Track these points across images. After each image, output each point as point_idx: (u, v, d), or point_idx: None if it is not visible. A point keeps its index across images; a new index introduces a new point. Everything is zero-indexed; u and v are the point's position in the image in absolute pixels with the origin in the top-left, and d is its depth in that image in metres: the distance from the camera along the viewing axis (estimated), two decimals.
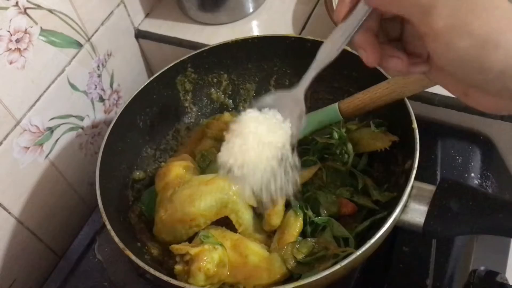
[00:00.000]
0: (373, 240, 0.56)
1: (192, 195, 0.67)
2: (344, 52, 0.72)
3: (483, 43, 0.37)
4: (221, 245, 0.65)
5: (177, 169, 0.72)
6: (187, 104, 0.84)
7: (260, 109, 0.56)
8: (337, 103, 0.71)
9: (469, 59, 0.38)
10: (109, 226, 0.62)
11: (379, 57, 0.45)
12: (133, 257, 0.60)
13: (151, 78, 0.78)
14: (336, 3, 0.87)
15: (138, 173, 0.78)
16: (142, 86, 0.77)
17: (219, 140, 0.79)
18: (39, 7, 0.72)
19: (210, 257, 0.62)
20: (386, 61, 0.45)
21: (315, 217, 0.68)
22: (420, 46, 0.45)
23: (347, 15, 0.45)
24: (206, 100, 0.85)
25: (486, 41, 0.37)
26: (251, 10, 0.95)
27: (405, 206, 0.60)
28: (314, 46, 0.75)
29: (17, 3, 0.68)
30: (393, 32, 0.47)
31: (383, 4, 0.42)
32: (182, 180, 0.70)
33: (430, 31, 0.39)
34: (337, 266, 0.55)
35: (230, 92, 0.85)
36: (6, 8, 0.67)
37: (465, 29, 0.38)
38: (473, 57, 0.38)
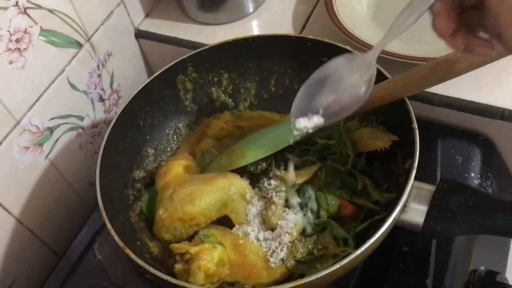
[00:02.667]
0: (372, 240, 0.56)
1: (192, 194, 0.67)
2: (345, 52, 0.73)
3: None
4: (221, 244, 0.65)
5: (177, 168, 0.72)
6: (187, 103, 0.84)
7: (329, 74, 0.58)
8: None
9: None
10: (109, 225, 0.62)
11: (453, 28, 0.44)
12: (133, 256, 0.60)
13: (152, 77, 0.78)
14: (336, 4, 0.87)
15: (138, 172, 0.78)
16: (143, 85, 0.77)
17: (219, 139, 0.79)
18: (39, 7, 0.72)
19: (210, 256, 0.62)
20: (453, 42, 0.45)
21: (315, 218, 0.68)
22: (491, 28, 0.44)
23: None
24: (206, 99, 0.85)
25: None
26: (251, 10, 0.95)
27: (404, 206, 0.60)
28: (314, 46, 0.76)
29: (17, 3, 0.68)
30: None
31: None
32: (182, 179, 0.71)
33: (504, 14, 0.40)
34: (337, 266, 0.55)
35: (230, 91, 0.85)
36: (6, 8, 0.67)
37: None
38: None
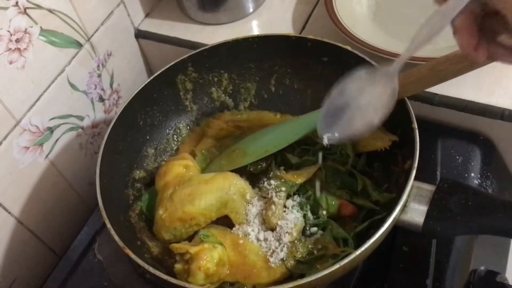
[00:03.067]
0: (372, 240, 0.56)
1: (192, 194, 0.67)
2: (345, 52, 0.73)
3: None
4: (221, 244, 0.65)
5: (177, 168, 0.72)
6: (187, 103, 0.84)
7: (351, 87, 0.57)
8: None
9: None
10: (109, 225, 0.62)
11: (475, 43, 0.44)
12: (133, 256, 0.60)
13: (152, 77, 0.78)
14: (336, 4, 0.87)
15: (138, 172, 0.78)
16: (143, 85, 0.77)
17: (219, 139, 0.79)
18: (39, 7, 0.72)
19: (210, 256, 0.62)
20: (475, 54, 0.44)
21: (315, 218, 0.68)
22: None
23: None
24: (206, 99, 0.85)
25: None
26: (251, 10, 0.95)
27: (404, 206, 0.60)
28: (315, 46, 0.76)
29: (17, 3, 0.68)
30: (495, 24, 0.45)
31: None
32: (182, 179, 0.71)
33: None
34: (336, 266, 0.55)
35: (230, 91, 0.85)
36: (6, 8, 0.67)
37: None
38: None
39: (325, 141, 0.61)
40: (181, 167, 0.73)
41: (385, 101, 0.56)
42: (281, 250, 0.65)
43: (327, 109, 0.61)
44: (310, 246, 0.65)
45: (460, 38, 0.44)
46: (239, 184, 0.69)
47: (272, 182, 0.71)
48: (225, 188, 0.68)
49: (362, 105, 0.58)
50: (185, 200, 0.67)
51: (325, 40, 0.75)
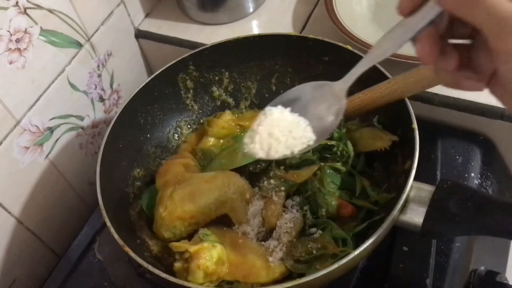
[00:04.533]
0: (371, 240, 0.56)
1: (192, 192, 0.67)
2: (346, 52, 0.73)
3: None
4: (220, 243, 0.65)
5: (178, 167, 0.72)
6: (188, 102, 0.84)
7: (293, 101, 0.54)
8: None
9: None
10: (109, 223, 0.62)
11: (435, 57, 0.40)
12: (132, 254, 0.60)
13: (153, 76, 0.78)
14: (336, 4, 0.87)
15: (138, 171, 0.78)
16: (144, 84, 0.77)
17: (220, 138, 0.79)
18: (39, 7, 0.72)
19: (209, 255, 0.62)
20: (441, 63, 0.41)
21: (314, 218, 0.68)
22: (485, 61, 0.40)
23: (413, 11, 0.40)
24: (207, 98, 0.85)
25: None
26: (251, 10, 0.95)
27: (404, 206, 0.60)
28: (315, 45, 0.76)
29: (17, 3, 0.68)
30: (460, 35, 0.42)
31: (456, 8, 0.37)
32: (182, 178, 0.71)
33: (503, 49, 0.36)
34: (335, 266, 0.55)
35: (231, 90, 0.85)
36: (6, 8, 0.67)
37: None
38: None
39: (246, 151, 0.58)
40: (182, 165, 0.73)
41: (330, 118, 0.53)
42: (280, 250, 0.65)
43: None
44: (309, 246, 0.65)
45: (420, 49, 0.40)
46: (239, 183, 0.69)
47: (272, 181, 0.71)
48: (225, 187, 0.68)
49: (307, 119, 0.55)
50: (185, 199, 0.67)
51: (326, 39, 0.76)
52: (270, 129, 0.55)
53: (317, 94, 0.53)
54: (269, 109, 0.56)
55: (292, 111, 0.55)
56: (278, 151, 0.55)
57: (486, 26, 0.36)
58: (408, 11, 0.41)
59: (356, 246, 0.57)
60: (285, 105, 0.56)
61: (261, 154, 0.56)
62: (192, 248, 0.62)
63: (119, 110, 0.74)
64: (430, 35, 0.40)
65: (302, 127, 0.55)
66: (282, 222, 0.67)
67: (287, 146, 0.55)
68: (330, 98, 0.52)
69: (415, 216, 0.60)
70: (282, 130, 0.54)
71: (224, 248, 0.65)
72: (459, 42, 0.42)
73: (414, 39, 0.41)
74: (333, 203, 0.68)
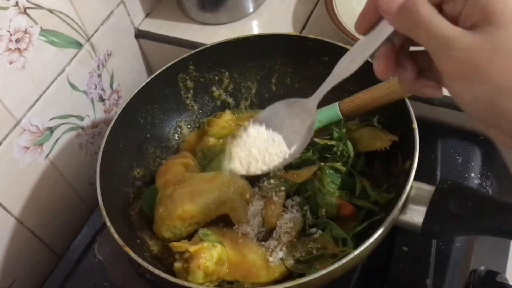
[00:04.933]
0: (371, 240, 0.56)
1: (192, 192, 0.67)
2: (345, 51, 0.73)
3: (497, 90, 0.36)
4: (220, 243, 0.65)
5: (178, 166, 0.72)
6: (188, 102, 0.84)
7: (269, 119, 0.57)
8: (337, 102, 0.71)
9: (482, 105, 0.38)
10: (108, 223, 0.62)
11: (390, 72, 0.44)
12: (132, 254, 0.60)
13: (153, 76, 0.78)
14: (336, 4, 0.87)
15: (138, 170, 0.78)
16: (144, 83, 0.77)
17: (220, 138, 0.80)
18: (39, 7, 0.72)
19: (209, 255, 0.62)
20: (400, 74, 0.44)
21: (314, 218, 0.68)
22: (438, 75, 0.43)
23: (369, 30, 0.44)
24: (207, 98, 0.85)
25: (500, 90, 0.36)
26: (251, 10, 0.95)
27: (404, 206, 0.60)
28: (316, 45, 0.76)
29: (17, 3, 0.68)
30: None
31: (403, 28, 0.40)
32: (182, 177, 0.71)
33: (446, 71, 0.38)
34: (335, 266, 0.55)
35: (231, 90, 0.85)
36: (6, 8, 0.67)
37: (481, 76, 0.36)
38: (486, 103, 0.37)
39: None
40: (182, 165, 0.73)
41: (304, 133, 0.56)
42: (280, 250, 0.65)
43: None
44: (309, 246, 0.65)
45: (377, 65, 0.44)
46: (239, 183, 0.69)
47: (272, 181, 0.71)
48: (225, 187, 0.68)
49: (283, 136, 0.58)
50: (185, 199, 0.67)
51: (326, 39, 0.76)
52: (248, 148, 0.58)
53: (291, 110, 0.57)
54: (246, 128, 0.59)
55: (268, 127, 0.58)
56: (257, 168, 0.58)
57: (429, 47, 0.39)
58: (364, 30, 0.44)
59: (356, 246, 0.57)
60: (264, 122, 0.58)
61: (242, 171, 0.59)
62: (192, 248, 0.62)
63: (119, 110, 0.74)
64: (385, 51, 0.43)
65: (277, 143, 0.58)
66: (282, 222, 0.67)
67: (264, 162, 0.58)
68: (303, 114, 0.55)
69: (415, 216, 0.60)
70: (259, 149, 0.58)
71: (224, 248, 0.65)
72: (418, 49, 0.44)
73: (373, 56, 0.44)
74: (333, 203, 0.68)
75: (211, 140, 0.81)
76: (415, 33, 0.39)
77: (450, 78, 0.39)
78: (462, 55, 0.37)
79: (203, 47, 0.80)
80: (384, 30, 0.43)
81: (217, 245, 0.64)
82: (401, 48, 0.44)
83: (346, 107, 0.70)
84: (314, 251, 0.64)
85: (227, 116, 0.83)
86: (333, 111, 0.71)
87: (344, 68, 0.48)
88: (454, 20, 0.39)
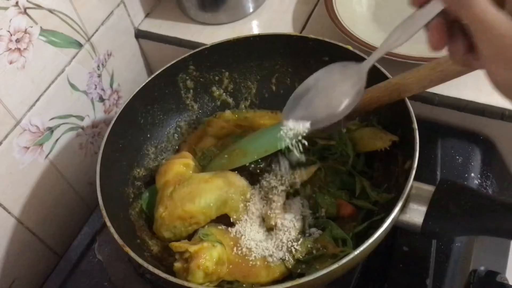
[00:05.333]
0: (371, 240, 0.55)
1: (192, 192, 0.67)
2: (346, 52, 0.73)
3: None
4: (220, 243, 0.65)
5: (178, 166, 0.72)
6: (188, 102, 0.84)
7: (322, 77, 0.60)
8: None
9: None
10: (109, 223, 0.62)
11: (444, 44, 0.46)
12: (132, 254, 0.60)
13: (153, 76, 0.78)
14: (336, 4, 0.87)
15: (138, 170, 0.78)
16: (144, 84, 0.77)
17: (220, 138, 0.80)
18: (39, 7, 0.72)
19: (209, 255, 0.62)
20: (452, 47, 0.46)
21: (314, 219, 0.68)
22: None
23: (423, 3, 0.46)
24: (207, 98, 0.85)
25: None
26: (251, 10, 0.95)
27: (404, 206, 0.60)
28: (316, 45, 0.76)
29: (17, 3, 0.68)
30: None
31: (452, 8, 0.42)
32: (182, 177, 0.71)
33: (485, 52, 0.41)
34: (335, 265, 0.55)
35: (231, 90, 0.85)
36: (6, 8, 0.67)
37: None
38: None
39: (285, 127, 0.62)
40: (182, 165, 0.73)
41: (351, 96, 0.58)
42: (280, 249, 0.65)
43: (295, 96, 0.62)
44: (309, 246, 0.65)
45: (430, 35, 0.46)
46: (239, 183, 0.69)
47: (272, 181, 0.71)
48: (225, 187, 0.68)
49: (329, 96, 0.60)
50: (185, 199, 0.67)
51: (326, 39, 0.76)
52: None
53: (344, 72, 0.59)
54: None
55: (319, 87, 0.61)
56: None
57: (472, 28, 0.41)
58: (419, 4, 0.46)
59: (356, 246, 0.57)
60: (313, 83, 0.61)
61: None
62: (192, 248, 0.62)
63: (119, 110, 0.74)
64: (439, 24, 0.45)
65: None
66: (282, 222, 0.67)
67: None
68: (354, 77, 0.58)
69: (415, 216, 0.60)
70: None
71: (224, 248, 0.65)
72: None
73: (425, 28, 0.46)
74: (333, 203, 0.68)
75: (211, 140, 0.81)
76: (461, 13, 0.41)
77: (487, 59, 0.42)
78: (499, 40, 0.39)
79: (203, 47, 0.80)
80: (437, 5, 0.45)
81: (217, 245, 0.64)
82: (454, 22, 0.46)
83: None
84: (314, 251, 0.64)
85: (227, 116, 0.83)
86: None
87: (397, 37, 0.49)
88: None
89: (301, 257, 0.64)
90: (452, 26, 0.46)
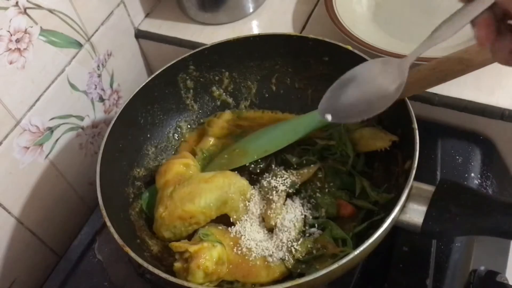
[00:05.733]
0: (371, 240, 0.55)
1: (192, 192, 0.67)
2: (346, 52, 0.73)
3: None
4: (220, 243, 0.65)
5: (178, 166, 0.72)
6: (188, 102, 0.84)
7: (362, 72, 0.59)
8: None
9: None
10: (108, 223, 0.62)
11: (492, 39, 0.45)
12: (132, 254, 0.59)
13: (153, 76, 0.78)
14: (336, 4, 0.87)
15: (138, 170, 0.78)
16: (144, 84, 0.77)
17: (220, 138, 0.80)
18: (39, 7, 0.72)
19: (209, 254, 0.62)
20: (498, 44, 0.46)
21: (314, 219, 0.68)
22: None
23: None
24: (207, 98, 0.85)
25: None
26: (251, 10, 0.95)
27: (404, 206, 0.60)
28: (316, 45, 0.76)
29: (17, 3, 0.68)
30: None
31: (505, 3, 0.42)
32: (182, 177, 0.71)
33: None
34: (335, 265, 0.54)
35: (231, 90, 0.85)
36: (6, 8, 0.67)
37: None
38: None
39: (329, 119, 0.61)
40: (182, 165, 0.73)
41: (391, 92, 0.57)
42: (280, 249, 0.65)
43: (333, 89, 0.61)
44: (309, 246, 0.65)
45: (478, 30, 0.45)
46: (239, 183, 0.69)
47: (272, 181, 0.71)
48: (225, 187, 0.68)
49: (368, 91, 0.59)
50: (185, 199, 0.67)
51: (326, 39, 0.75)
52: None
53: (384, 67, 0.58)
54: None
55: (359, 82, 0.59)
56: None
57: None
58: None
59: (356, 246, 0.57)
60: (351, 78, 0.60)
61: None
62: (192, 248, 0.62)
63: (119, 110, 0.74)
64: (486, 19, 0.45)
65: None
66: (282, 221, 0.67)
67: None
68: (394, 73, 0.56)
69: (415, 216, 0.60)
70: None
71: (224, 248, 0.65)
72: None
73: (472, 24, 0.45)
74: (333, 203, 0.68)
75: (211, 140, 0.81)
76: None
77: None
78: None
79: (203, 47, 0.80)
80: (486, 1, 0.44)
81: (217, 245, 0.64)
82: (503, 18, 0.45)
83: None
84: (314, 251, 0.64)
85: (228, 116, 0.83)
86: None
87: (443, 32, 0.48)
88: None
89: (301, 257, 0.64)
90: (500, 23, 0.45)
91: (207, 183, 0.68)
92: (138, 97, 0.76)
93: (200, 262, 0.61)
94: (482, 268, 0.70)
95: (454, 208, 0.58)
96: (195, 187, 0.68)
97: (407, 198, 0.59)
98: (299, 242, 0.66)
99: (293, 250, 0.65)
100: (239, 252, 0.66)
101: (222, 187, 0.68)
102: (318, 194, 0.70)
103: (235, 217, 0.69)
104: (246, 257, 0.65)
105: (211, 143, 0.81)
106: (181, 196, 0.68)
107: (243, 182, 0.70)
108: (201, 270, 0.61)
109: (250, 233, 0.67)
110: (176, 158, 0.75)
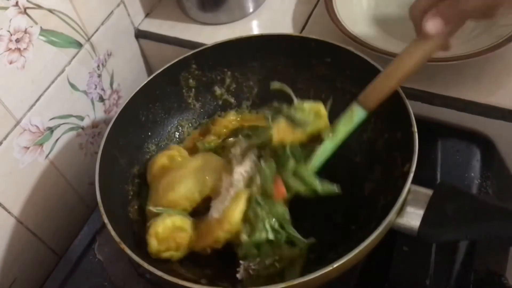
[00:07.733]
0: (366, 243, 0.55)
1: (171, 181, 0.68)
2: (348, 53, 0.73)
3: None
4: (183, 215, 0.66)
5: (161, 159, 0.73)
6: (190, 101, 0.84)
7: None
8: (354, 102, 0.65)
9: None
10: (106, 220, 0.62)
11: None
12: (129, 251, 0.59)
13: (155, 74, 0.78)
14: (336, 4, 0.87)
15: (138, 168, 0.78)
16: (146, 82, 0.77)
17: (220, 137, 0.80)
18: (39, 7, 0.72)
19: (161, 222, 0.64)
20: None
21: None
22: None
23: None
24: (209, 97, 0.85)
25: None
26: (251, 10, 0.95)
27: (401, 209, 0.60)
28: (318, 46, 0.76)
29: (17, 3, 0.68)
30: None
31: None
32: (166, 170, 0.71)
33: None
34: (329, 268, 0.53)
35: (233, 90, 0.85)
36: (6, 8, 0.67)
37: None
38: None
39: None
40: (165, 158, 0.73)
41: None
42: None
43: None
44: (266, 262, 0.62)
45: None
46: (213, 163, 0.69)
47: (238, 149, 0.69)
48: (200, 169, 0.68)
49: None
50: (166, 189, 0.68)
51: (329, 41, 0.75)
52: None
53: None
54: None
55: None
56: None
57: None
58: None
59: (352, 249, 0.55)
60: None
61: None
62: (149, 222, 0.65)
63: (120, 108, 0.74)
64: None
65: None
66: (238, 170, 0.65)
67: None
68: None
69: (412, 219, 0.59)
70: None
71: (188, 219, 0.65)
72: None
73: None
74: (271, 174, 0.63)
75: (213, 139, 0.81)
76: None
77: None
78: None
79: (205, 47, 0.80)
80: None
81: (175, 215, 0.65)
82: None
83: (369, 101, 0.64)
84: (277, 264, 0.61)
85: (231, 116, 0.83)
86: (359, 112, 0.65)
87: None
88: None
89: (259, 274, 0.61)
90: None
91: (182, 168, 0.69)
92: (140, 95, 0.76)
93: (151, 231, 0.63)
94: (482, 268, 0.70)
95: (451, 212, 0.57)
96: (173, 175, 0.69)
97: (404, 201, 0.59)
98: (256, 261, 0.62)
99: (250, 271, 0.62)
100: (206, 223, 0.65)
101: (198, 170, 0.68)
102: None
103: (215, 195, 0.66)
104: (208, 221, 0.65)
105: (212, 142, 0.80)
106: (163, 186, 0.68)
107: (217, 161, 0.69)
108: (153, 237, 0.63)
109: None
110: (161, 152, 0.76)
